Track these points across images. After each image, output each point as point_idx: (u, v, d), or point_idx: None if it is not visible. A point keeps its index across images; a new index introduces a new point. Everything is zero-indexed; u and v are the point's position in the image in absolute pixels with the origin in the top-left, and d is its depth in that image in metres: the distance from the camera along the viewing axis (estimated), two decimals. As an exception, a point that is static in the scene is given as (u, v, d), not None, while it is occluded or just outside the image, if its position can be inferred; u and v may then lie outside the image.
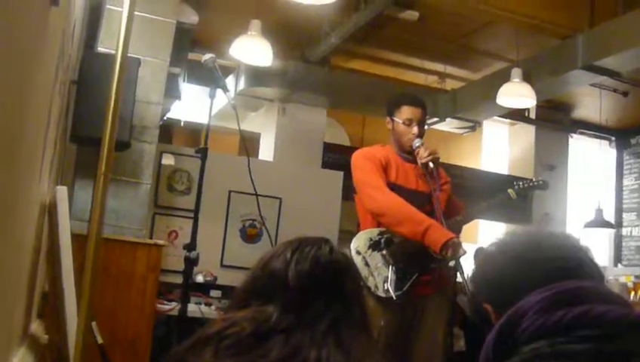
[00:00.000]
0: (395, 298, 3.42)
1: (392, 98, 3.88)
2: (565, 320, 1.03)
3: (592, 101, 8.59)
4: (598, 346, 0.98)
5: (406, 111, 3.71)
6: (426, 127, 3.82)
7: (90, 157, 4.15)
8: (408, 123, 3.68)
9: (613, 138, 9.98)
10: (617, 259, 9.66)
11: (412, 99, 3.79)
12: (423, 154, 3.60)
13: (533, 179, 4.00)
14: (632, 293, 8.33)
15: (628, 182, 9.80)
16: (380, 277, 3.49)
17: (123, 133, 4.13)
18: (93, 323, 3.18)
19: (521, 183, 3.93)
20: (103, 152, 2.41)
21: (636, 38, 6.01)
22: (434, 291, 3.63)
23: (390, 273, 3.48)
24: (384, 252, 3.55)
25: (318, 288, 1.46)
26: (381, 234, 3.60)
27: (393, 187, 3.63)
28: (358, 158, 3.76)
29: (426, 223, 3.41)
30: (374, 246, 3.57)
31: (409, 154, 3.72)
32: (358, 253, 3.56)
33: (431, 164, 3.57)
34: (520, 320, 1.09)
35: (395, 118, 3.73)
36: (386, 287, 3.45)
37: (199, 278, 5.83)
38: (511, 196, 3.84)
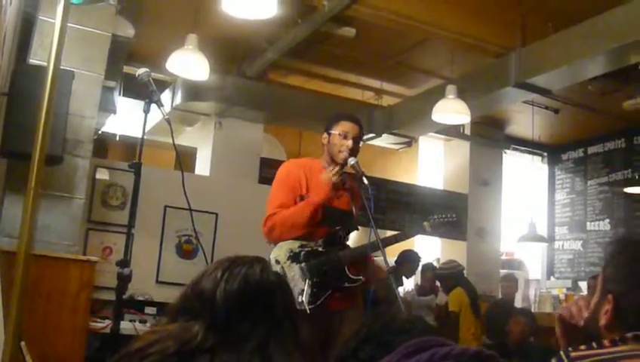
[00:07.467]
0: (308, 311, 3.51)
1: (331, 115, 3.97)
2: (437, 356, 1.12)
3: (524, 118, 8.78)
4: None
5: (343, 125, 3.81)
6: (361, 144, 3.89)
7: (22, 172, 4.04)
8: (344, 135, 3.77)
9: (545, 154, 10.22)
10: (550, 272, 9.86)
11: (350, 116, 3.91)
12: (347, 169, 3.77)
13: (447, 215, 4.06)
14: (564, 305, 8.47)
15: (560, 196, 10.02)
16: (296, 288, 3.56)
17: (55, 148, 4.04)
18: (22, 343, 3.09)
19: (435, 217, 4.01)
20: (33, 167, 2.35)
21: (566, 57, 6.18)
22: (349, 306, 3.75)
23: (306, 286, 3.58)
24: (302, 265, 3.64)
25: (246, 308, 1.45)
26: (302, 247, 3.69)
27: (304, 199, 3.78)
28: (280, 171, 3.89)
29: (308, 205, 3.64)
30: (294, 257, 3.66)
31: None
32: (277, 262, 3.64)
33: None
34: None
35: (332, 131, 3.81)
36: (300, 299, 3.54)
37: (138, 297, 5.79)
38: (426, 228, 3.95)
